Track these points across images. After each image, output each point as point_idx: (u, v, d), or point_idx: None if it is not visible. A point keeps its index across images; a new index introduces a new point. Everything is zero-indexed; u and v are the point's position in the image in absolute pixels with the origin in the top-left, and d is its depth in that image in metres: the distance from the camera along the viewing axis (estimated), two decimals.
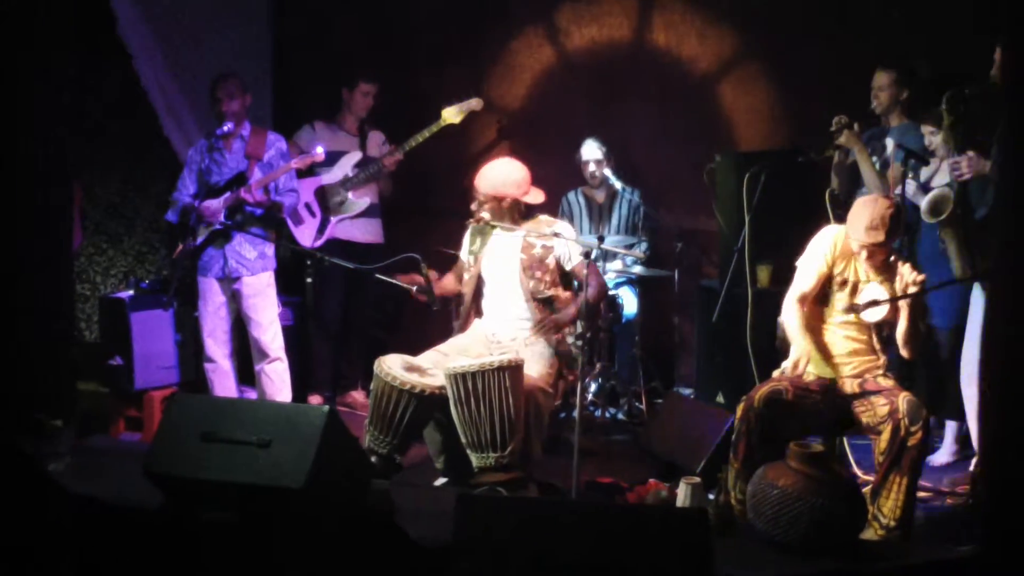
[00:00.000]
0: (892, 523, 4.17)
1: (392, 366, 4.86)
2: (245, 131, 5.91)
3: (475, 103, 6.33)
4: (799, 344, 4.48)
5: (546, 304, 5.16)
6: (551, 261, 5.16)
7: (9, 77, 4.93)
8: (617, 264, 6.48)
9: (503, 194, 5.16)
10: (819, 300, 4.63)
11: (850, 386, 4.48)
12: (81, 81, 6.10)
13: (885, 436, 4.24)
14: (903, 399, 4.26)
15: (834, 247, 4.60)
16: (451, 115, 6.30)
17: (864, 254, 4.48)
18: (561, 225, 5.29)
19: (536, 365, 4.99)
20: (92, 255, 7.18)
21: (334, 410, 4.30)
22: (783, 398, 4.38)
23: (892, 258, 4.56)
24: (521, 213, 5.23)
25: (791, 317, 4.59)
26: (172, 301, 5.87)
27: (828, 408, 4.49)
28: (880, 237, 4.39)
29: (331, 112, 6.74)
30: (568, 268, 5.17)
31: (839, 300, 4.57)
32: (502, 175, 5.21)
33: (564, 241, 5.15)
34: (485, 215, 5.16)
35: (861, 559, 3.60)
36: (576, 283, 5.18)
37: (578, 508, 3.71)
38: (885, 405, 4.31)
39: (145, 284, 6.38)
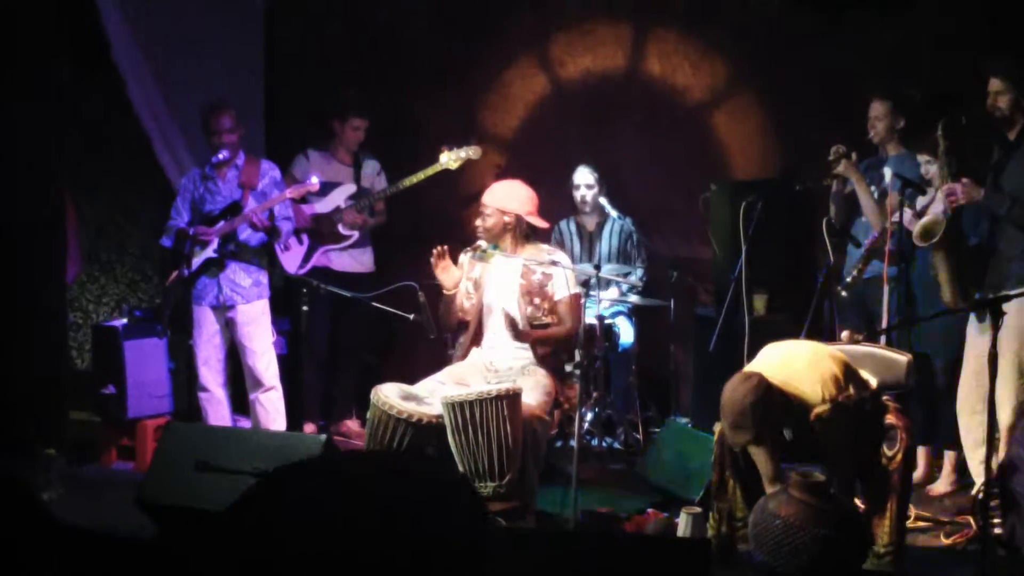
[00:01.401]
0: (883, 548, 4.14)
1: (389, 395, 4.83)
2: (239, 160, 5.90)
3: (473, 152, 6.30)
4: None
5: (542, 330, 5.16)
6: (549, 289, 5.16)
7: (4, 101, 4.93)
8: (612, 292, 6.46)
9: (508, 209, 5.17)
10: None
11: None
12: (73, 107, 6.10)
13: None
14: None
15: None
16: (448, 160, 6.26)
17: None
18: (560, 255, 5.30)
19: (533, 393, 4.96)
20: (84, 283, 7.14)
21: (331, 439, 4.29)
22: None
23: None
24: (524, 234, 5.24)
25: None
26: (167, 329, 5.85)
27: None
28: (748, 436, 4.04)
29: (323, 140, 6.72)
30: (556, 299, 5.17)
31: None
32: (511, 191, 5.26)
33: (561, 271, 5.15)
34: (482, 244, 5.16)
35: None
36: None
37: (579, 538, 3.68)
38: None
39: (139, 312, 6.35)
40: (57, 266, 5.97)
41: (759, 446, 4.03)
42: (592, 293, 5.63)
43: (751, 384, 3.99)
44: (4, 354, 4.96)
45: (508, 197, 5.22)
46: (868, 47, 6.29)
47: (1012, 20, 5.67)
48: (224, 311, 5.86)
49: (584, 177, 6.63)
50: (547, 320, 5.16)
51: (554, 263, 5.13)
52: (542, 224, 5.31)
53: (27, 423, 5.18)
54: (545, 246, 5.37)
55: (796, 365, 4.13)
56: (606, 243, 6.65)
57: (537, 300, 5.16)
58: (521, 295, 5.17)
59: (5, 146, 5.00)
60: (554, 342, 5.16)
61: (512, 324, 5.12)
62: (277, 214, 5.87)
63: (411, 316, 5.15)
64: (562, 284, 5.18)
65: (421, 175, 6.35)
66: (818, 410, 3.99)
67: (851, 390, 4.06)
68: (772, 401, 3.97)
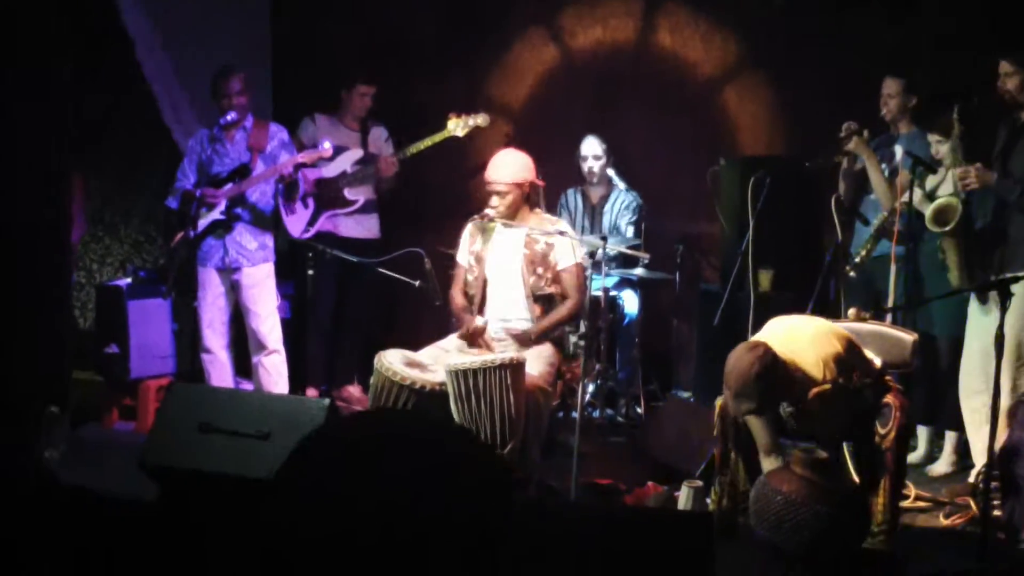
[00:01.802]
0: (877, 527, 4.15)
1: (392, 361, 4.82)
2: (248, 123, 5.90)
3: (481, 119, 6.26)
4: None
5: (546, 302, 5.14)
6: (552, 259, 5.15)
7: (9, 67, 4.90)
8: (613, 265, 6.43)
9: (522, 179, 5.16)
10: None
11: None
12: (80, 69, 6.07)
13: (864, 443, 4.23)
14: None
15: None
16: (455, 127, 6.23)
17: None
18: (563, 224, 5.29)
19: (536, 363, 4.96)
20: (88, 243, 7.14)
21: (334, 404, 4.29)
22: None
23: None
24: (537, 199, 5.23)
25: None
26: (171, 290, 5.84)
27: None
28: (752, 405, 4.03)
29: (331, 106, 6.69)
30: (559, 269, 5.15)
31: None
32: (517, 162, 5.23)
33: (565, 240, 5.14)
34: (490, 212, 5.14)
35: (864, 569, 3.57)
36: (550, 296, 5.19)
37: (579, 510, 3.68)
38: None
39: (143, 273, 6.35)
40: (62, 226, 5.96)
41: (759, 417, 4.03)
42: (598, 264, 5.61)
43: (757, 354, 3.98)
44: (6, 313, 4.96)
45: (515, 168, 5.20)
46: (873, 40, 6.27)
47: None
48: (229, 273, 5.86)
49: (592, 148, 6.60)
50: (550, 290, 5.15)
51: (561, 233, 5.12)
52: (541, 183, 5.31)
53: (29, 382, 5.17)
54: (548, 215, 5.36)
55: (800, 341, 4.13)
56: (608, 215, 6.62)
57: (540, 270, 5.15)
58: (524, 264, 5.15)
59: (14, 110, 5.00)
60: (560, 326, 5.15)
61: (517, 337, 5.10)
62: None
63: (416, 283, 5.14)
64: (565, 253, 5.17)
65: (428, 141, 6.32)
66: (818, 388, 3.98)
67: (854, 374, 4.06)
68: (776, 373, 3.97)
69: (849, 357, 4.08)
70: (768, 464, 4.05)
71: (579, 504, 4.43)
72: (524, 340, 5.07)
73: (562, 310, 5.14)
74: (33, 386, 5.06)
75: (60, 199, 5.34)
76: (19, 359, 5.01)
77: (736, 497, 4.29)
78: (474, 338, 5.09)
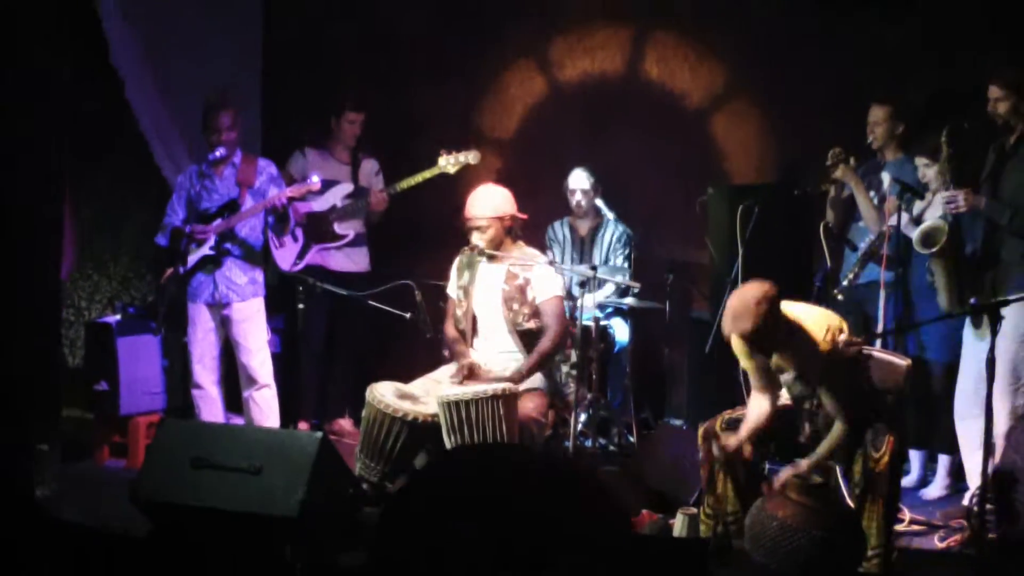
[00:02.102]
0: (872, 549, 4.14)
1: (384, 393, 4.82)
2: (236, 158, 5.90)
3: (472, 157, 6.26)
4: (748, 423, 4.40)
5: (528, 337, 5.13)
6: (530, 293, 5.14)
7: (4, 101, 4.91)
8: (607, 290, 6.45)
9: (503, 213, 5.16)
10: None
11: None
12: (71, 106, 6.09)
13: (857, 467, 4.22)
14: (871, 429, 4.23)
15: (742, 348, 4.43)
16: (447, 164, 6.23)
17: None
18: (542, 258, 5.30)
19: (527, 395, 4.96)
20: (77, 280, 7.13)
21: (326, 437, 4.27)
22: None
23: (792, 343, 4.26)
24: (517, 232, 5.23)
25: (751, 404, 4.49)
26: (161, 326, 5.83)
27: (806, 438, 4.47)
28: (746, 325, 4.07)
29: (321, 137, 6.71)
30: (538, 302, 5.15)
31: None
32: (495, 196, 5.24)
33: (543, 274, 5.13)
34: (479, 243, 5.14)
35: None
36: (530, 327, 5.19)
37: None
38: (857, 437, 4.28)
39: (132, 309, 6.33)
40: (53, 262, 5.95)
41: (753, 352, 4.17)
42: (586, 294, 5.61)
43: (763, 288, 4.09)
44: None
45: (496, 203, 5.20)
46: (868, 49, 6.31)
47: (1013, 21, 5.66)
48: (219, 308, 5.84)
49: (579, 181, 6.60)
50: (529, 325, 5.14)
51: (551, 263, 5.13)
52: (523, 216, 5.30)
53: (20, 420, 5.15)
54: (530, 248, 5.35)
55: (806, 310, 4.28)
56: (599, 247, 6.62)
57: (516, 305, 5.14)
58: (503, 301, 5.15)
59: (5, 145, 5.01)
60: (547, 361, 5.13)
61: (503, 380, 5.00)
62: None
63: (407, 315, 5.14)
64: (543, 287, 5.17)
65: (419, 177, 6.32)
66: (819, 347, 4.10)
67: (851, 344, 4.17)
68: (777, 312, 4.08)
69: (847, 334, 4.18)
70: (754, 401, 4.27)
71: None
72: (512, 382, 5.03)
73: (543, 345, 5.12)
74: (24, 424, 5.04)
75: (53, 229, 5.34)
76: (10, 395, 4.99)
77: (726, 519, 4.28)
78: (470, 377, 5.06)
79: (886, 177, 5.48)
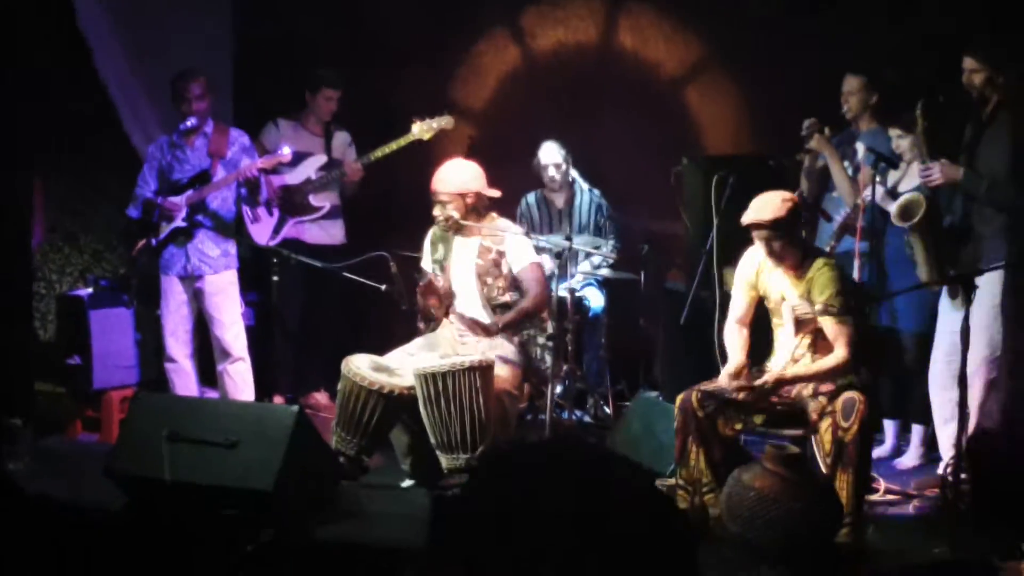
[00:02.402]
0: (844, 518, 4.17)
1: (360, 366, 4.80)
2: (208, 128, 5.85)
3: (446, 122, 6.23)
4: (733, 358, 4.55)
5: (503, 311, 5.12)
6: (504, 266, 5.12)
7: None
8: (585, 266, 6.46)
9: (467, 190, 5.11)
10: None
11: (810, 389, 4.47)
12: (38, 77, 6.01)
13: (827, 437, 4.27)
14: (840, 399, 4.27)
15: (752, 271, 4.66)
16: (421, 131, 6.20)
17: (768, 257, 4.47)
18: (516, 228, 5.27)
19: (502, 367, 4.95)
20: (48, 253, 7.03)
21: (302, 411, 4.26)
22: (727, 395, 4.43)
23: (815, 264, 4.49)
24: (485, 208, 5.19)
25: (728, 336, 4.69)
26: (134, 299, 5.78)
27: (782, 407, 4.50)
28: (767, 215, 4.38)
29: (294, 109, 6.65)
30: (516, 271, 5.13)
31: (776, 320, 4.58)
32: (461, 172, 5.18)
33: (515, 243, 5.11)
34: (454, 214, 5.11)
35: (837, 562, 3.59)
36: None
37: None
38: (828, 407, 4.32)
39: (105, 282, 6.28)
40: (22, 234, 5.89)
41: (768, 248, 4.42)
42: (565, 267, 5.61)
43: (790, 194, 4.55)
44: None
45: (461, 179, 5.15)
46: (843, 21, 6.30)
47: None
48: (192, 281, 5.80)
49: (551, 156, 6.56)
50: (504, 299, 5.12)
51: (527, 234, 5.12)
52: (495, 193, 5.26)
53: None
54: (502, 220, 5.31)
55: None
56: (577, 217, 6.62)
57: (490, 279, 5.12)
58: (477, 276, 5.13)
59: None
60: (526, 320, 5.13)
61: (479, 326, 5.05)
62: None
63: (383, 287, 5.11)
64: (518, 256, 5.14)
65: (393, 145, 6.29)
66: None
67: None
68: (797, 220, 4.47)
69: None
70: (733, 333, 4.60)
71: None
72: (488, 332, 5.02)
73: (525, 303, 5.10)
74: None
75: (22, 202, 5.28)
76: None
77: (700, 490, 4.31)
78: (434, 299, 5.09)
79: (860, 147, 5.48)
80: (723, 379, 4.47)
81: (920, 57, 5.81)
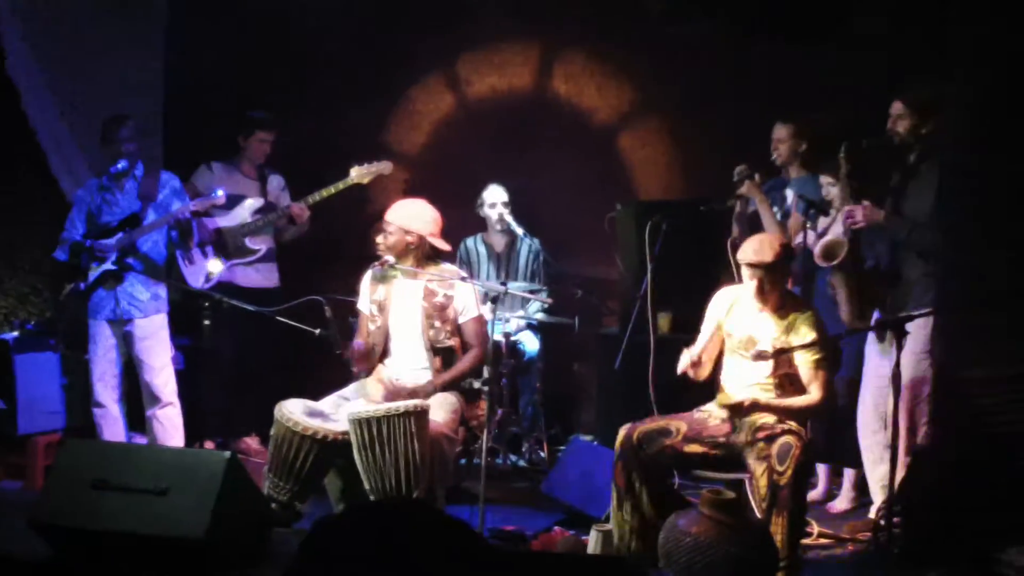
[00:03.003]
0: (780, 563, 4.19)
1: (293, 411, 4.73)
2: (138, 171, 5.81)
3: (384, 167, 6.24)
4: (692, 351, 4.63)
5: (445, 354, 5.10)
6: (451, 311, 5.11)
7: None
8: (519, 311, 6.47)
9: (411, 229, 5.10)
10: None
11: (747, 432, 4.51)
12: None
13: (763, 482, 4.30)
14: (776, 443, 4.31)
15: (726, 307, 4.73)
16: (359, 175, 6.19)
17: (755, 296, 4.53)
18: (459, 274, 5.26)
19: (439, 411, 4.91)
20: None
21: (234, 456, 4.18)
22: (664, 440, 4.47)
23: (795, 311, 4.59)
24: (425, 255, 5.17)
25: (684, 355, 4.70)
26: (60, 343, 5.68)
27: (718, 453, 4.53)
28: (767, 257, 4.48)
29: (226, 152, 6.60)
30: (461, 321, 5.13)
31: (739, 354, 4.62)
32: (415, 211, 5.17)
33: (465, 292, 5.11)
34: (390, 259, 5.09)
35: None
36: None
37: (493, 555, 3.63)
38: (765, 451, 4.35)
39: (31, 325, 6.17)
40: None
41: (759, 283, 4.51)
42: (499, 312, 5.61)
43: (781, 239, 4.70)
44: None
45: (412, 216, 5.15)
46: (774, 70, 6.41)
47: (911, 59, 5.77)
48: (121, 325, 5.72)
49: (498, 195, 6.62)
50: (450, 343, 5.11)
51: (463, 279, 5.11)
52: (444, 246, 5.24)
53: None
54: (449, 266, 5.31)
55: None
56: (520, 262, 6.64)
57: (438, 323, 5.11)
58: (424, 317, 5.11)
59: None
60: (465, 377, 5.12)
61: (416, 392, 5.02)
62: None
63: (317, 331, 5.05)
64: (467, 305, 5.14)
65: (332, 189, 6.26)
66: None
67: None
68: (788, 264, 4.61)
69: None
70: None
71: (493, 548, 4.38)
72: (424, 395, 4.99)
73: (464, 362, 5.11)
74: None
75: None
76: None
77: (646, 531, 4.30)
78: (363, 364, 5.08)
79: (790, 194, 5.58)
80: (684, 357, 4.59)
81: (849, 105, 5.92)
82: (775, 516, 4.23)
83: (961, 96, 4.52)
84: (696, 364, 4.58)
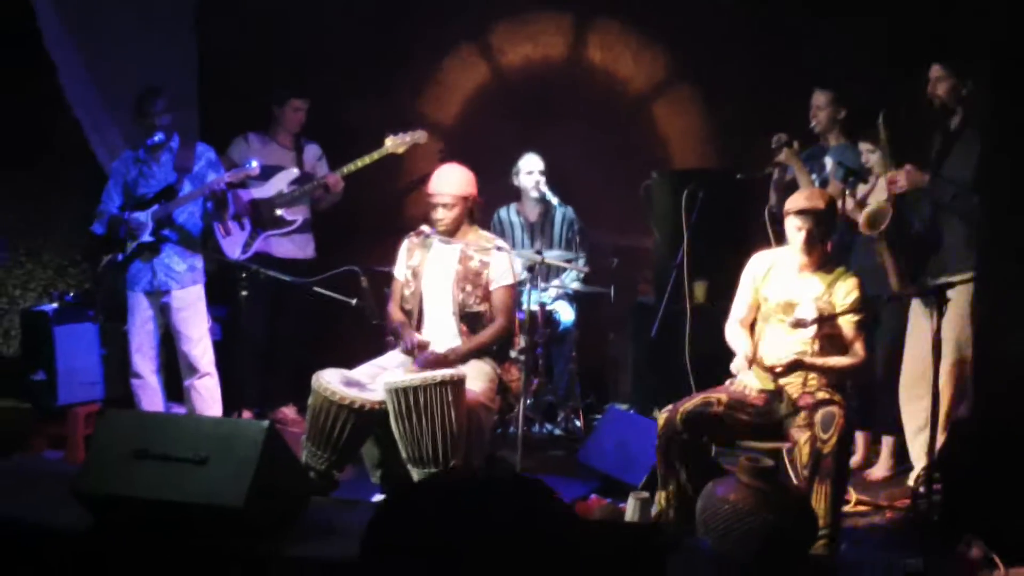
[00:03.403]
0: (821, 530, 4.17)
1: (331, 381, 4.76)
2: (174, 143, 5.83)
3: (420, 136, 6.23)
4: (743, 349, 4.55)
5: (473, 320, 5.09)
6: (484, 277, 5.11)
7: None
8: (555, 280, 6.46)
9: (467, 193, 5.12)
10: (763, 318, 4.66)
11: (787, 403, 4.49)
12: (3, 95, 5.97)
13: (805, 450, 4.28)
14: (820, 412, 4.29)
15: (763, 271, 4.69)
16: (394, 145, 6.19)
17: (802, 248, 4.49)
18: (500, 242, 5.26)
19: (476, 381, 4.92)
20: (10, 268, 6.95)
21: (272, 425, 4.20)
22: (709, 411, 4.43)
23: (838, 269, 4.55)
24: (478, 215, 5.19)
25: (732, 334, 4.68)
26: (99, 315, 5.72)
27: (760, 422, 4.51)
28: (820, 203, 4.45)
29: (261, 124, 6.62)
30: (492, 288, 5.11)
31: (776, 319, 4.59)
32: (463, 175, 5.19)
33: (502, 259, 5.10)
34: (426, 229, 5.09)
35: (812, 574, 3.58)
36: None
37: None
38: (807, 420, 4.33)
39: (70, 297, 6.20)
40: None
41: (809, 233, 4.48)
42: (536, 281, 5.60)
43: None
44: None
45: (462, 182, 5.15)
46: (803, 53, 6.34)
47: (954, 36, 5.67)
48: (158, 296, 5.75)
49: (535, 163, 6.59)
50: (479, 308, 5.09)
51: (499, 248, 5.10)
52: (481, 201, 5.27)
53: None
54: (486, 232, 5.31)
55: None
56: (555, 232, 6.63)
57: (469, 287, 5.09)
58: (456, 281, 5.11)
59: None
60: (483, 350, 5.09)
61: (434, 362, 4.96)
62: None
63: (353, 301, 5.07)
64: (501, 272, 5.13)
65: (367, 159, 6.27)
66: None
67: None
68: (835, 217, 4.61)
69: None
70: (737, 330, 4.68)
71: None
72: (443, 363, 4.96)
73: (486, 333, 5.08)
74: None
75: None
76: None
77: (685, 508, 4.30)
78: (417, 353, 5.02)
79: (829, 161, 5.52)
80: (740, 364, 4.51)
81: (888, 73, 5.85)
82: (817, 484, 4.21)
83: (1001, 57, 4.46)
84: (751, 361, 4.52)
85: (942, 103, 4.92)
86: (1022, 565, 4.10)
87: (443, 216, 5.10)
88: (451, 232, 5.11)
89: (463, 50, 7.31)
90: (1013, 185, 4.35)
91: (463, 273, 5.11)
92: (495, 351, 5.13)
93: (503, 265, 5.13)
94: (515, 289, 5.15)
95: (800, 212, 4.48)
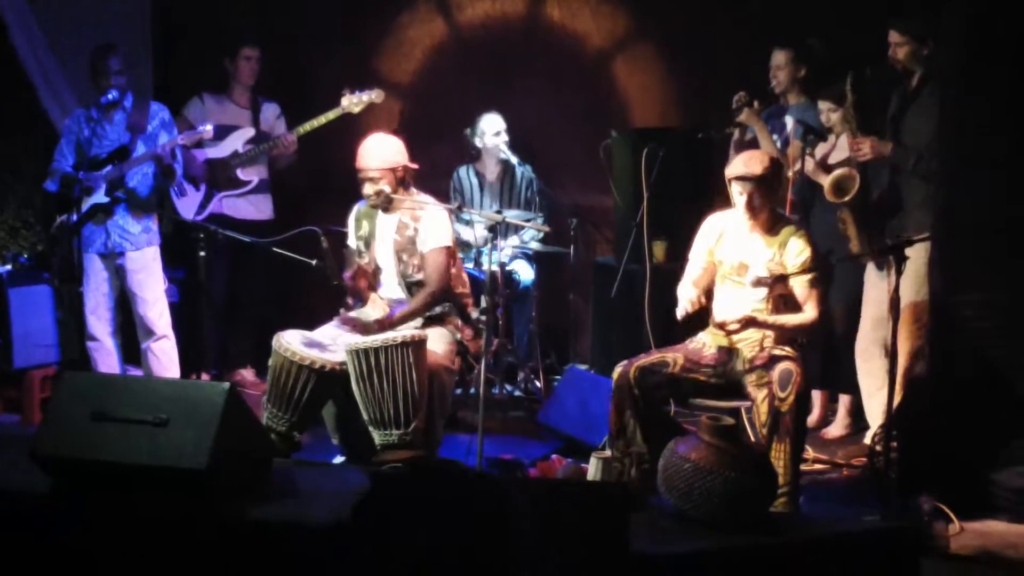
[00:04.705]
0: (780, 488, 4.22)
1: (291, 341, 4.73)
2: (127, 102, 5.74)
3: (376, 95, 6.15)
4: (685, 296, 4.55)
5: (418, 288, 5.06)
6: (418, 243, 5.06)
7: None
8: (514, 240, 6.44)
9: (396, 164, 5.05)
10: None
11: (743, 361, 4.52)
12: None
13: (764, 408, 4.32)
14: (776, 369, 4.32)
15: (716, 234, 4.68)
16: (350, 104, 6.11)
17: (745, 212, 4.50)
18: (431, 200, 5.18)
19: (437, 342, 4.91)
20: None
21: (233, 387, 4.17)
22: (664, 371, 4.48)
23: (786, 228, 4.56)
24: (410, 181, 5.14)
25: (682, 289, 4.64)
26: (54, 277, 5.65)
27: (718, 383, 4.55)
28: (756, 169, 4.42)
29: (218, 84, 6.52)
30: (423, 251, 5.06)
31: (732, 280, 4.60)
32: (388, 146, 5.11)
33: (428, 220, 5.05)
34: (386, 188, 5.04)
35: (773, 532, 3.61)
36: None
37: (494, 483, 3.65)
38: (764, 378, 4.36)
39: (23, 259, 6.13)
40: None
41: (751, 196, 4.47)
42: (496, 240, 5.58)
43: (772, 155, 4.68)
44: None
45: (385, 153, 5.06)
46: (765, 11, 6.32)
47: None
48: (113, 258, 5.69)
49: (497, 123, 6.54)
50: (419, 277, 5.06)
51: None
52: (414, 165, 5.19)
53: None
54: (423, 196, 5.20)
55: None
56: (515, 191, 6.60)
57: (406, 256, 5.06)
58: (394, 252, 5.08)
59: None
60: (419, 315, 5.05)
61: (363, 326, 4.92)
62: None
63: (313, 262, 5.03)
64: (429, 236, 5.04)
65: (323, 119, 6.20)
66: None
67: None
68: (779, 179, 4.63)
69: None
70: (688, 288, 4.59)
71: (493, 477, 4.41)
72: (382, 328, 4.91)
73: (417, 299, 5.01)
74: None
75: None
76: None
77: (636, 463, 4.35)
78: (363, 281, 5.04)
79: (789, 120, 5.54)
80: (683, 302, 4.51)
81: (847, 31, 5.85)
82: (776, 442, 4.26)
83: (957, 13, 4.46)
84: (696, 305, 4.53)
85: (903, 66, 4.96)
86: (976, 519, 4.20)
87: (370, 191, 5.03)
88: (383, 205, 5.06)
89: (420, 5, 7.22)
90: (976, 140, 4.36)
91: (401, 243, 5.06)
92: (456, 312, 5.11)
93: (431, 226, 5.05)
94: (447, 250, 5.08)
95: (738, 178, 4.48)
